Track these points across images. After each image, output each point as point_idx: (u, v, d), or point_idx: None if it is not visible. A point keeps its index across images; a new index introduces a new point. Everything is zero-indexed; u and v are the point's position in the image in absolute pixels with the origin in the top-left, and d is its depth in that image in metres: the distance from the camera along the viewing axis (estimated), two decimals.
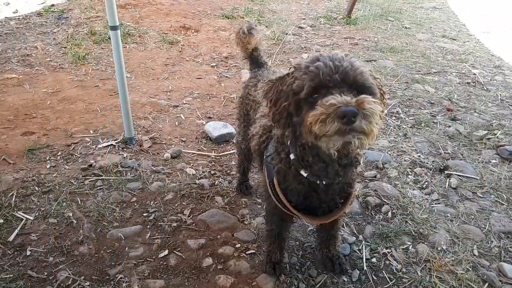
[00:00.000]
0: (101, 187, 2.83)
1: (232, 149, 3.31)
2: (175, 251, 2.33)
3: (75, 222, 2.51)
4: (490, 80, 4.84)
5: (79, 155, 3.16)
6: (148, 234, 2.45)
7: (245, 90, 2.48)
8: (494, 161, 3.24)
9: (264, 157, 1.93)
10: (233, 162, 3.17)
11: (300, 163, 1.67)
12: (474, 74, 4.95)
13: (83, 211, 2.60)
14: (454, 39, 6.33)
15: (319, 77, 1.40)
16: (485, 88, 4.60)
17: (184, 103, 4.04)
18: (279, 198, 1.81)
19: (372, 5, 7.85)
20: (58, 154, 3.16)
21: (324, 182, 1.69)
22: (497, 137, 3.56)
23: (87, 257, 2.28)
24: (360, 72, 1.42)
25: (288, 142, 1.72)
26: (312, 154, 1.62)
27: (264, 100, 1.64)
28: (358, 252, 2.35)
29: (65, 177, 2.90)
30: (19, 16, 6.33)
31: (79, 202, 2.68)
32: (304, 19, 7.02)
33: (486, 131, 3.62)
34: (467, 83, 4.72)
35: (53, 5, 6.81)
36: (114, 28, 2.92)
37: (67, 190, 2.77)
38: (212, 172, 3.07)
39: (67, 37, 5.36)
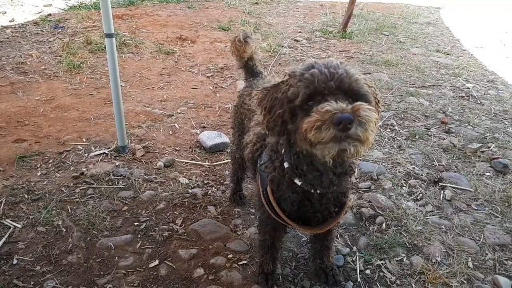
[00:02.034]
0: (92, 195, 2.79)
1: (226, 159, 3.29)
2: (166, 261, 2.28)
3: (65, 230, 2.46)
4: (484, 94, 4.87)
5: (70, 163, 3.12)
6: (139, 244, 2.40)
7: (240, 99, 2.47)
8: (488, 173, 3.24)
9: (258, 165, 1.91)
10: (226, 172, 3.14)
11: (294, 172, 1.65)
12: (468, 88, 4.99)
13: (73, 220, 2.55)
14: (448, 54, 6.40)
15: (314, 84, 1.39)
16: (479, 102, 4.62)
17: (179, 113, 4.03)
18: (272, 207, 1.78)
19: (367, 20, 7.94)
20: (50, 161, 3.12)
21: (318, 191, 1.67)
22: (491, 150, 3.56)
23: (75, 266, 2.23)
24: (355, 79, 1.42)
25: (283, 151, 1.70)
26: (307, 163, 1.60)
27: (258, 107, 1.63)
28: (352, 263, 2.32)
29: (55, 185, 2.86)
30: (15, 25, 6.34)
31: (69, 210, 2.63)
32: (300, 32, 7.07)
33: (480, 144, 3.62)
34: (461, 96, 4.75)
35: (49, 14, 6.83)
36: (109, 35, 2.91)
37: (57, 198, 2.72)
38: (205, 181, 3.04)
39: (63, 45, 5.36)
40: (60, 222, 2.52)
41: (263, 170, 1.82)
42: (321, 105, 1.32)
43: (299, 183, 1.65)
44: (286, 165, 1.67)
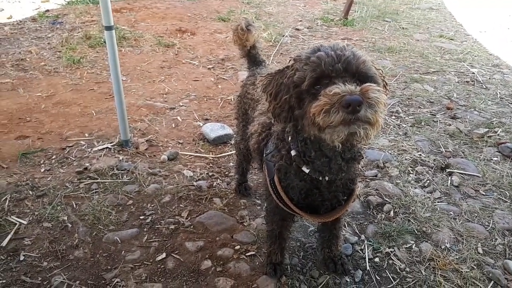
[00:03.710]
0: (97, 190, 2.77)
1: (230, 151, 3.26)
2: (172, 254, 2.27)
3: (70, 226, 2.45)
4: (489, 78, 4.81)
5: (74, 159, 3.10)
6: (145, 237, 2.39)
7: (243, 88, 2.43)
8: (495, 158, 3.20)
9: (264, 155, 1.88)
10: (231, 164, 3.12)
11: (302, 159, 1.62)
12: (473, 73, 4.92)
13: (78, 215, 2.53)
14: (451, 39, 6.32)
15: (321, 67, 1.35)
16: (484, 87, 4.57)
17: (181, 105, 3.99)
18: (280, 197, 1.76)
19: (369, 7, 7.85)
20: (53, 157, 3.10)
21: (326, 178, 1.64)
22: (498, 134, 3.52)
23: (82, 261, 2.21)
24: (363, 61, 1.38)
25: (289, 138, 1.67)
26: (315, 149, 1.57)
27: (263, 94, 1.59)
28: (361, 252, 2.30)
29: (59, 181, 2.84)
30: (14, 21, 6.29)
31: (74, 205, 2.62)
32: (301, 21, 6.99)
33: (487, 129, 3.58)
34: (466, 82, 4.69)
35: (47, 10, 6.77)
36: (109, 28, 2.87)
37: (62, 193, 2.71)
38: (210, 173, 3.01)
39: (62, 41, 5.32)
40: (65, 218, 2.50)
41: (270, 159, 1.79)
42: (329, 88, 1.29)
43: (307, 171, 1.63)
44: (293, 153, 1.64)
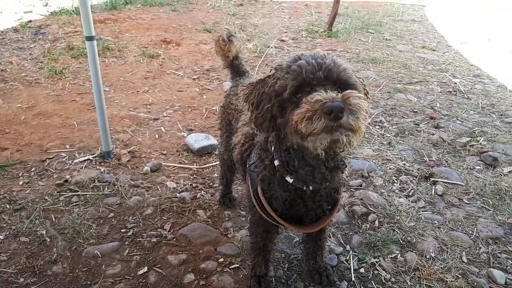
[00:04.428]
0: (77, 203, 2.70)
1: (215, 161, 3.23)
2: (155, 268, 2.21)
3: (49, 240, 2.38)
4: (471, 88, 4.88)
5: (54, 171, 3.03)
6: (127, 251, 2.33)
7: (227, 99, 2.41)
8: (478, 167, 3.23)
9: (247, 165, 1.86)
10: (215, 175, 3.08)
11: (285, 169, 1.60)
12: (455, 83, 5.00)
13: (57, 229, 2.46)
14: (434, 50, 6.42)
15: (302, 75, 1.36)
16: (466, 97, 4.63)
17: (165, 116, 3.95)
18: (263, 208, 1.73)
19: (353, 18, 7.96)
20: (32, 170, 3.02)
21: (310, 188, 1.62)
22: (480, 143, 3.56)
23: (60, 276, 2.14)
24: (344, 69, 1.39)
25: (272, 148, 1.65)
26: (298, 158, 1.56)
27: (245, 104, 1.58)
28: (346, 262, 2.28)
29: (38, 194, 2.77)
30: None
31: (53, 219, 2.54)
32: (285, 32, 7.04)
33: (469, 138, 3.62)
34: (448, 92, 4.76)
35: (30, 21, 6.70)
36: (90, 38, 2.84)
37: (41, 207, 2.63)
38: (194, 185, 2.97)
39: (44, 52, 5.25)
40: (44, 232, 2.43)
41: (253, 170, 1.77)
42: (311, 95, 1.29)
43: (290, 181, 1.61)
44: (276, 162, 1.62)
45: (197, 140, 3.39)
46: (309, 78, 1.35)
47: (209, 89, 4.66)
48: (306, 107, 1.28)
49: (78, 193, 2.79)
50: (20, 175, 2.96)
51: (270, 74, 1.50)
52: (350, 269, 2.23)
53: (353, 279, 2.16)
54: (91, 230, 2.46)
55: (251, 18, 7.83)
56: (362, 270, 2.23)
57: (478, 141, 3.60)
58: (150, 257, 2.29)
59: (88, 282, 2.11)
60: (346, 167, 1.69)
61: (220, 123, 2.52)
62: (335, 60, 1.40)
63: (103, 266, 2.22)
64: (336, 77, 1.37)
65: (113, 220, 2.57)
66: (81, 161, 3.15)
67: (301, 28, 7.29)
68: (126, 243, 2.39)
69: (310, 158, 1.54)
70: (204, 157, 3.32)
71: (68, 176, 2.94)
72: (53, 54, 5.23)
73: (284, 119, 1.41)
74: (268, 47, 6.05)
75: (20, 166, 3.06)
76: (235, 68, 2.51)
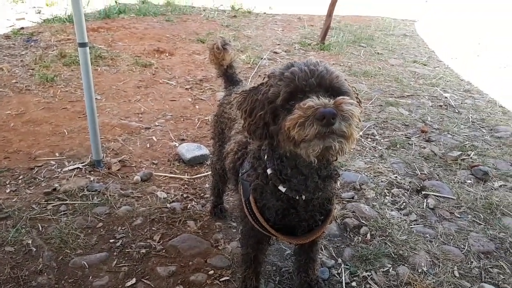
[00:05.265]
0: (65, 212, 2.65)
1: (206, 171, 3.20)
2: (143, 279, 2.17)
3: (35, 250, 2.32)
4: (461, 103, 4.94)
5: (42, 179, 2.97)
6: (115, 262, 2.28)
7: (220, 108, 2.40)
8: (469, 181, 3.24)
9: (240, 174, 1.84)
10: (207, 185, 3.05)
11: (278, 178, 1.59)
12: (446, 97, 5.05)
13: (44, 238, 2.41)
14: (425, 65, 6.50)
15: (294, 82, 1.36)
16: (457, 111, 4.68)
17: (157, 125, 3.92)
18: (255, 218, 1.70)
19: (345, 32, 8.04)
20: (20, 178, 2.96)
21: (303, 197, 1.60)
22: (471, 157, 3.58)
23: None
24: (336, 76, 1.40)
25: (265, 156, 1.64)
26: (291, 166, 1.55)
27: (238, 111, 1.57)
28: (337, 276, 2.25)
29: (26, 202, 2.71)
30: None
31: (40, 228, 2.49)
32: (279, 44, 7.08)
33: (460, 152, 3.64)
34: (439, 106, 4.80)
35: (22, 28, 6.66)
36: (82, 45, 2.82)
37: (27, 215, 2.57)
38: (185, 195, 2.94)
39: (35, 59, 5.20)
40: (30, 241, 2.37)
41: (245, 179, 1.75)
42: (304, 101, 1.30)
43: (283, 190, 1.59)
44: (269, 171, 1.61)
45: (188, 150, 3.36)
46: (301, 85, 1.36)
47: (201, 99, 4.65)
48: (298, 113, 1.28)
49: (67, 202, 2.74)
50: (7, 183, 2.90)
51: (263, 82, 1.51)
52: (341, 282, 2.20)
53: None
54: (78, 240, 2.41)
55: (245, 30, 7.88)
56: (354, 283, 2.20)
57: (469, 155, 3.62)
58: (139, 268, 2.24)
59: None
60: (339, 176, 1.69)
61: (213, 132, 2.50)
62: (328, 67, 1.41)
63: (90, 277, 2.17)
64: (328, 84, 1.38)
65: (101, 230, 2.53)
66: (70, 170, 3.10)
67: (294, 41, 7.34)
68: (115, 253, 2.34)
69: (303, 166, 1.53)
70: (195, 167, 3.29)
71: (56, 185, 2.89)
72: (44, 61, 5.19)
73: (277, 126, 1.41)
74: (261, 58, 6.07)
75: (8, 174, 3.00)
76: (229, 77, 2.51)
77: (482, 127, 4.27)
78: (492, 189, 3.13)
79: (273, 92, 1.41)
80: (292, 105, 1.34)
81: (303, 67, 1.39)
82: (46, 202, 2.72)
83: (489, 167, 3.40)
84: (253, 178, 1.69)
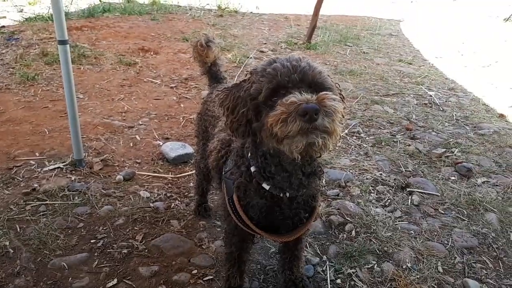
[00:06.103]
0: (45, 212, 2.58)
1: (191, 170, 3.16)
2: (125, 280, 2.12)
3: (12, 251, 2.25)
4: (445, 101, 4.98)
5: (21, 179, 2.90)
6: (96, 262, 2.23)
7: (204, 106, 2.37)
8: (453, 177, 3.26)
9: (223, 172, 1.81)
10: (191, 184, 3.01)
11: (261, 175, 1.56)
12: (430, 95, 5.09)
13: (22, 239, 2.34)
14: (410, 63, 6.55)
15: (277, 78, 1.34)
16: (441, 109, 4.71)
17: (140, 124, 3.87)
18: (239, 216, 1.67)
19: (331, 32, 8.06)
20: None
21: (287, 195, 1.58)
22: (455, 154, 3.61)
23: None
24: (319, 71, 1.37)
25: (249, 154, 1.61)
26: (274, 163, 1.52)
27: (220, 108, 1.54)
28: (322, 273, 2.23)
29: (3, 203, 2.63)
30: None
31: (18, 229, 2.42)
32: (265, 43, 7.07)
33: (444, 149, 3.66)
34: (424, 104, 4.84)
35: (3, 26, 6.53)
36: (62, 42, 2.76)
37: (5, 216, 2.50)
38: (168, 194, 2.89)
39: (16, 57, 5.10)
40: (7, 243, 2.30)
41: (229, 177, 1.72)
42: (286, 97, 1.27)
43: (267, 187, 1.57)
44: (253, 169, 1.58)
45: (173, 149, 3.32)
46: (284, 81, 1.33)
47: (187, 97, 4.60)
48: (281, 109, 1.25)
49: (46, 202, 2.67)
50: None
51: (246, 78, 1.48)
52: (326, 280, 2.18)
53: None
54: (58, 241, 2.35)
55: (231, 29, 7.85)
56: (338, 281, 2.19)
57: (453, 152, 3.64)
58: (120, 268, 2.20)
59: None
60: (323, 173, 1.67)
61: (197, 130, 2.47)
62: (310, 63, 1.38)
63: (70, 278, 2.11)
64: (311, 79, 1.35)
65: (82, 230, 2.47)
66: (50, 169, 3.03)
67: (280, 40, 7.34)
68: (95, 254, 2.29)
69: (286, 163, 1.51)
70: (180, 166, 3.24)
71: (36, 185, 2.82)
72: (25, 60, 5.09)
73: (259, 123, 1.39)
74: (248, 57, 6.05)
75: None
76: (213, 75, 2.48)
77: (466, 125, 4.31)
78: (475, 186, 3.15)
79: (255, 88, 1.38)
80: (274, 102, 1.32)
81: (285, 63, 1.36)
82: (24, 203, 2.65)
83: (472, 164, 3.43)
84: (237, 176, 1.66)
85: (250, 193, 1.63)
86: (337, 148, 3.59)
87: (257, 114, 1.39)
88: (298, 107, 1.22)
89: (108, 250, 2.32)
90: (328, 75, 1.43)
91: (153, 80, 4.99)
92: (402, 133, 4.00)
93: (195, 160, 2.63)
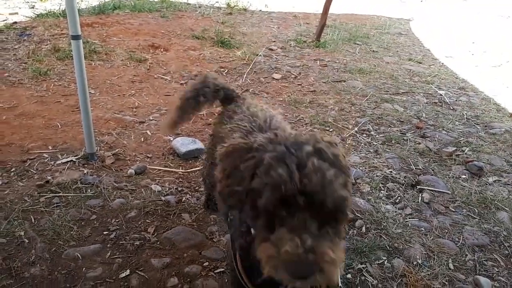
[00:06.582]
0: (58, 204, 2.62)
1: (201, 166, 3.18)
2: (137, 271, 2.15)
3: (27, 241, 2.29)
4: (456, 100, 4.95)
5: (35, 171, 2.94)
6: (108, 253, 2.26)
7: (215, 127, 2.23)
8: (464, 176, 3.25)
9: (228, 217, 1.66)
10: (201, 178, 3.02)
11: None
12: (440, 94, 5.06)
13: (37, 230, 2.38)
14: (420, 62, 6.51)
15: (280, 191, 1.09)
16: (451, 108, 4.69)
17: (151, 119, 3.89)
18: (242, 276, 1.50)
19: (340, 30, 8.03)
20: (12, 170, 2.93)
21: None
22: (465, 153, 3.59)
23: (39, 279, 2.06)
24: (331, 192, 1.09)
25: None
26: None
27: (219, 162, 1.32)
28: None
29: (18, 195, 2.67)
30: None
31: (33, 220, 2.46)
32: (274, 41, 7.06)
33: (455, 148, 3.65)
34: (434, 103, 4.81)
35: (15, 22, 6.58)
36: (75, 37, 2.78)
37: (20, 208, 2.54)
38: (179, 188, 2.92)
39: (29, 52, 5.14)
40: (22, 233, 2.34)
41: (232, 232, 1.56)
42: (281, 234, 1.08)
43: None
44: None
45: (183, 144, 3.34)
46: (288, 198, 1.09)
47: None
48: (272, 249, 1.08)
49: (60, 194, 2.71)
50: None
51: (250, 146, 1.25)
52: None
53: (339, 284, 2.12)
54: (71, 232, 2.39)
55: (240, 26, 7.85)
56: (349, 276, 2.20)
57: (464, 151, 3.63)
58: (133, 260, 2.23)
59: (68, 285, 2.04)
60: None
61: (208, 147, 2.41)
62: (325, 173, 1.11)
63: (84, 268, 2.15)
64: (320, 204, 1.09)
65: (95, 222, 2.50)
66: (63, 163, 3.07)
67: (289, 38, 7.33)
68: (108, 245, 2.32)
69: None
70: (190, 161, 3.27)
71: (49, 177, 2.86)
72: (38, 55, 5.13)
73: (253, 222, 1.20)
74: (257, 55, 6.05)
75: (0, 166, 2.96)
76: (222, 99, 2.29)
77: (477, 124, 4.28)
78: (486, 184, 3.14)
79: (257, 182, 1.15)
80: (275, 209, 1.11)
81: (293, 172, 1.10)
82: (38, 195, 2.69)
83: (483, 162, 3.41)
84: (237, 235, 1.48)
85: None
86: (347, 145, 3.60)
87: (254, 209, 1.17)
88: (290, 259, 1.03)
89: (121, 242, 2.35)
90: (342, 182, 1.14)
91: (163, 77, 5.02)
92: (412, 131, 3.99)
93: (202, 173, 2.63)
